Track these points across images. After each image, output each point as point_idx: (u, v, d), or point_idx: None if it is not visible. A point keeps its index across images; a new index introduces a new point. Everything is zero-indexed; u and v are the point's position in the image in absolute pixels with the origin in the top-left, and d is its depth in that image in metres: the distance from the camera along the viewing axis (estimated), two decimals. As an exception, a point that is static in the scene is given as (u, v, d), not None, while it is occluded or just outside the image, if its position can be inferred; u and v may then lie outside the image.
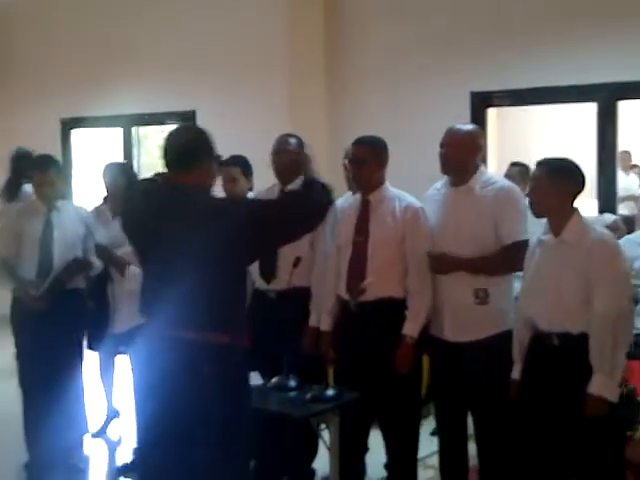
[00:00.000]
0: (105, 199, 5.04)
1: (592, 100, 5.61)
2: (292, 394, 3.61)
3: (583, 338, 3.15)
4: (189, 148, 2.90)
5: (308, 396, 3.54)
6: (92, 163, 8.41)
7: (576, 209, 3.29)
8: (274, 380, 3.71)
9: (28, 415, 4.52)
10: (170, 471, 2.87)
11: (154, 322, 2.87)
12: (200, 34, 7.26)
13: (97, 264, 4.63)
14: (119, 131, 8.22)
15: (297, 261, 3.70)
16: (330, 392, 3.57)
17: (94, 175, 6.74)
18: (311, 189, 3.02)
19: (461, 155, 3.68)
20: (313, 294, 4.06)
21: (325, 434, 3.72)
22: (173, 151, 2.91)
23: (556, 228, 3.27)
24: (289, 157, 4.17)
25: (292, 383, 3.66)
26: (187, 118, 7.45)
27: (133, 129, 8.14)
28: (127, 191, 4.47)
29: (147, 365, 2.88)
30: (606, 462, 3.23)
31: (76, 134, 8.62)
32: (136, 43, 7.67)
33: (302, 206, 2.94)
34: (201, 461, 2.82)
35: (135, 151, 8.12)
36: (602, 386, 3.10)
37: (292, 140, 4.24)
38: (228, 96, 7.07)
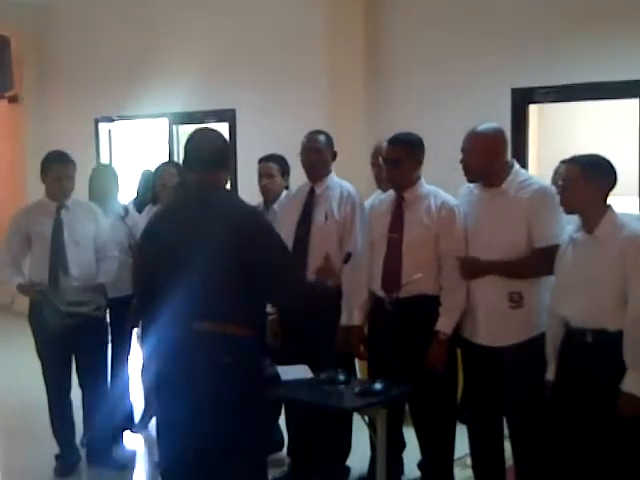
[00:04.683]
0: (155, 200, 5.04)
1: (636, 96, 5.51)
2: (341, 387, 3.62)
3: (620, 335, 3.11)
4: (221, 150, 3.04)
5: (357, 389, 3.56)
6: (129, 161, 8.48)
7: (609, 206, 3.23)
8: (323, 374, 3.72)
9: (54, 410, 4.56)
10: (191, 461, 2.90)
11: (174, 315, 2.91)
12: (240, 32, 7.28)
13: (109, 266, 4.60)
14: (159, 129, 8.30)
15: (348, 257, 3.69)
16: (378, 386, 3.57)
17: (131, 174, 6.79)
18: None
19: (483, 160, 3.56)
20: (344, 293, 4.05)
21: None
22: (205, 151, 3.01)
23: (589, 225, 3.22)
24: (319, 154, 4.19)
25: (341, 377, 3.67)
26: (227, 117, 7.50)
27: (174, 127, 8.19)
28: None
29: (167, 357, 2.94)
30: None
31: (114, 131, 8.70)
32: (175, 42, 7.72)
33: (294, 286, 3.00)
34: (219, 450, 2.87)
35: (175, 149, 8.18)
36: (635, 384, 3.06)
37: (321, 137, 4.25)
38: (268, 95, 7.08)
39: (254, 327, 2.94)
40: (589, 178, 3.19)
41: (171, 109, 7.83)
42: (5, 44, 8.82)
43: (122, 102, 8.14)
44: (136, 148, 8.78)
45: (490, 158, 3.58)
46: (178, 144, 8.25)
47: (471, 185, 3.77)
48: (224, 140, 3.11)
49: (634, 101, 5.53)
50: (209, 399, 2.83)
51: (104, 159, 8.57)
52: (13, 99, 9.10)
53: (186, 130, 9.46)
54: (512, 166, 3.66)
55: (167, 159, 7.75)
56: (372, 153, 4.59)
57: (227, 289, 2.86)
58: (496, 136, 3.64)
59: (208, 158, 2.98)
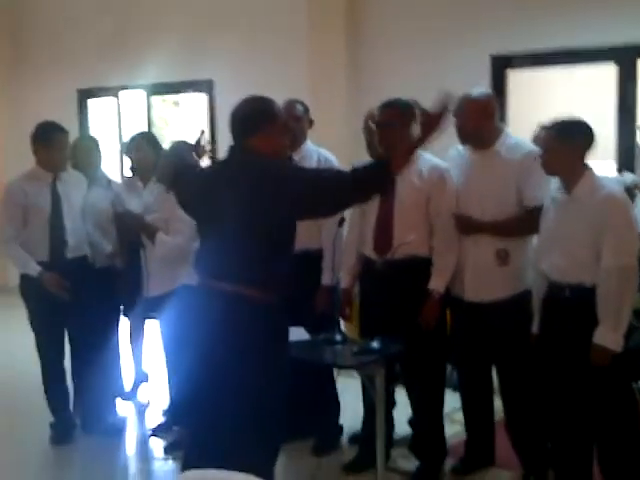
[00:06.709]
0: (133, 170, 5.08)
1: (612, 61, 5.60)
2: (339, 347, 3.69)
3: (595, 290, 3.23)
4: (252, 115, 3.07)
5: (354, 349, 3.63)
6: (108, 133, 8.45)
7: (588, 167, 3.34)
8: (321, 335, 3.78)
9: (48, 379, 4.59)
10: (209, 421, 2.97)
11: (200, 275, 3.05)
12: (218, 2, 7.28)
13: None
14: (137, 100, 8.28)
15: (342, 221, 3.85)
16: (375, 344, 3.63)
17: (110, 145, 6.78)
18: (372, 174, 2.99)
19: (475, 123, 3.68)
20: (325, 254, 4.13)
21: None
22: (238, 118, 3.09)
23: (568, 186, 3.33)
24: (297, 122, 4.24)
25: (338, 337, 3.75)
26: (204, 88, 7.50)
27: (151, 99, 8.18)
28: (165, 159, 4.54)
29: (188, 315, 3.07)
30: (618, 413, 3.32)
31: (92, 104, 8.67)
32: (153, 12, 7.69)
33: (353, 192, 2.97)
34: (235, 411, 2.91)
35: (153, 120, 8.17)
36: (605, 337, 3.19)
37: (299, 106, 4.30)
38: (246, 65, 7.09)
39: (272, 290, 2.95)
40: (564, 141, 3.29)
41: (148, 80, 7.80)
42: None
43: (98, 74, 8.10)
44: (114, 120, 8.72)
45: (482, 121, 3.70)
46: (150, 115, 8.25)
47: (460, 147, 3.88)
48: (258, 104, 3.10)
49: (610, 65, 5.64)
50: (224, 356, 2.89)
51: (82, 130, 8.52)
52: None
53: (164, 100, 9.46)
54: (502, 130, 3.79)
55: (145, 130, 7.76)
56: (364, 118, 4.63)
57: (249, 251, 2.91)
58: (488, 100, 3.77)
59: (237, 125, 3.07)
